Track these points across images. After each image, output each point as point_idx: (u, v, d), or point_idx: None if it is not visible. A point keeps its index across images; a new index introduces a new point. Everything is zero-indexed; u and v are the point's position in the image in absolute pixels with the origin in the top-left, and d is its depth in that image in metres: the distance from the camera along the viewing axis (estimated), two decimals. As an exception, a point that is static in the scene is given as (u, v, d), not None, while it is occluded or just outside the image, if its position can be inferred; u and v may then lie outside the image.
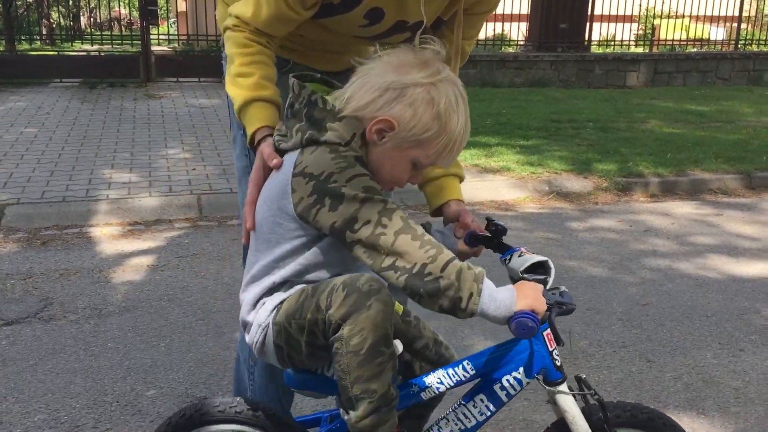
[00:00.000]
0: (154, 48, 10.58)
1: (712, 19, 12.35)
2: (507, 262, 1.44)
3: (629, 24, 12.42)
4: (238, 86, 1.46)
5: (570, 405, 1.37)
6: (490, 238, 1.50)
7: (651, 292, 3.42)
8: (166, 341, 2.80)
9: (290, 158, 1.31)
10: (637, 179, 5.53)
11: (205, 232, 4.20)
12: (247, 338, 1.38)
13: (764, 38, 11.93)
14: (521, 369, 1.38)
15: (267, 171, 1.38)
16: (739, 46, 11.65)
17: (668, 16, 12.53)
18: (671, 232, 4.39)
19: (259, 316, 1.34)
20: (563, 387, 1.37)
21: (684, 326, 3.05)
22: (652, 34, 12.28)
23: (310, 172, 1.26)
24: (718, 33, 12.62)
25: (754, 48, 11.79)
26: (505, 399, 1.41)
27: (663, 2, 11.97)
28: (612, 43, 11.58)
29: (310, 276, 1.33)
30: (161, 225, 4.32)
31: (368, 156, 1.32)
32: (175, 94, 9.11)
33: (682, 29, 12.39)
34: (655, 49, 11.82)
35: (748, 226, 4.55)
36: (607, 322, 3.07)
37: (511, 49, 10.99)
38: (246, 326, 1.38)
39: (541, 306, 1.26)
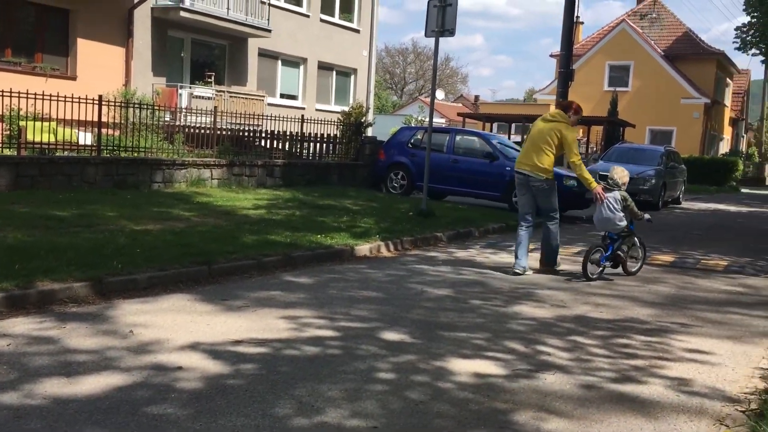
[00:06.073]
0: None
1: (80, 124, 12.63)
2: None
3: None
4: (590, 175, 7.85)
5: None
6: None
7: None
8: None
9: (612, 192, 7.75)
10: (-21, 297, 4.99)
11: None
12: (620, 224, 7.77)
13: (129, 144, 12.76)
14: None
15: (603, 192, 7.70)
16: (103, 151, 12.17)
17: (35, 119, 12.30)
18: (2, 357, 4.02)
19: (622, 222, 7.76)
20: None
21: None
22: (18, 135, 11.84)
23: (623, 197, 7.73)
24: (86, 138, 12.97)
25: (122, 154, 12.48)
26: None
27: (28, 104, 11.70)
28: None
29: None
30: None
31: None
32: None
33: (50, 132, 12.30)
34: (23, 152, 11.38)
35: (90, 338, 4.52)
36: None
37: None
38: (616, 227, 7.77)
39: None
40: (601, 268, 7.81)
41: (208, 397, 3.63)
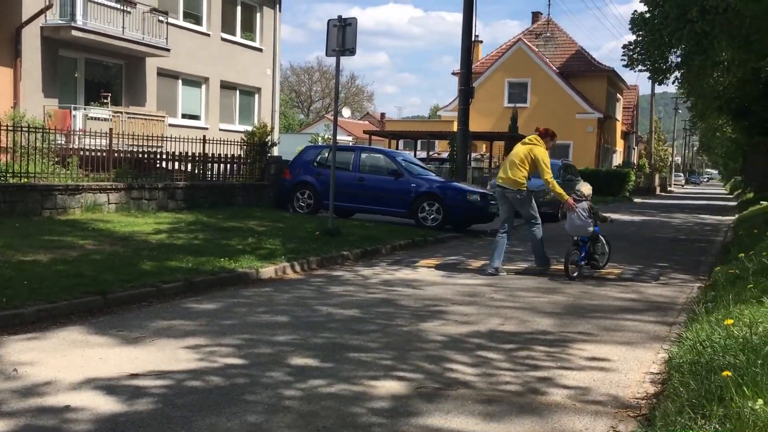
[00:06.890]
0: None
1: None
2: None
3: None
4: (562, 189, 9.33)
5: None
6: None
7: None
8: None
9: (581, 202, 9.16)
10: None
11: None
12: (590, 229, 9.26)
13: (18, 170, 12.10)
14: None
15: (574, 203, 9.14)
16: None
17: None
18: None
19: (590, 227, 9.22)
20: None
21: None
22: None
23: (590, 206, 9.16)
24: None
25: (10, 180, 11.81)
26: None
27: None
28: None
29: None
30: None
31: None
32: None
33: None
34: None
35: (-32, 379, 4.21)
36: None
37: None
38: (587, 231, 9.23)
39: None
40: (579, 267, 9.23)
41: (99, 438, 3.44)
